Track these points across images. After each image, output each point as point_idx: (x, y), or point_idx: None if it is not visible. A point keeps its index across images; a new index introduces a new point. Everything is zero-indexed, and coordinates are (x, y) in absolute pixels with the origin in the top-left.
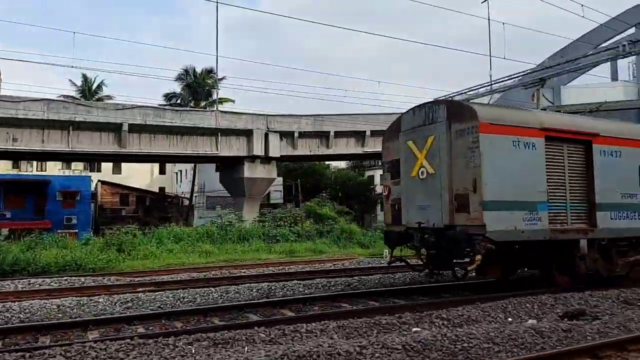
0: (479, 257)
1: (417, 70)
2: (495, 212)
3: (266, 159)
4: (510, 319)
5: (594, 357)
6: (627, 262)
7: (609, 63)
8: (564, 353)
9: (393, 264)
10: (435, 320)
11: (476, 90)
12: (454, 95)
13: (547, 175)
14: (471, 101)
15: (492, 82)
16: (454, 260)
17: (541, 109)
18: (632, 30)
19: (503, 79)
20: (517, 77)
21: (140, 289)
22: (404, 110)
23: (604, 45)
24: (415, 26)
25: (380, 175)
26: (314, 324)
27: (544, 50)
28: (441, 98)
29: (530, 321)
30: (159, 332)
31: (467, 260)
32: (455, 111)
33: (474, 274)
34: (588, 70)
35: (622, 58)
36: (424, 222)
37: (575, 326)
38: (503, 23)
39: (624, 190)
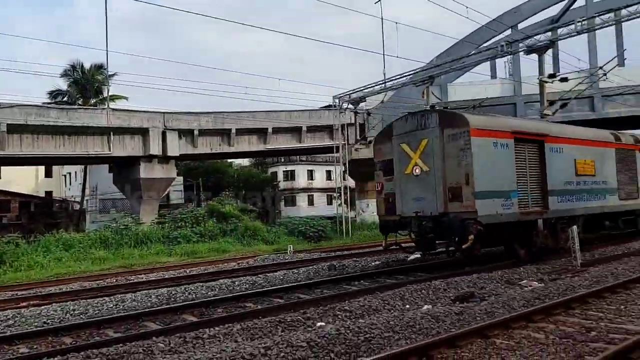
0: (472, 237)
1: (317, 68)
2: (483, 200)
3: (164, 158)
4: (408, 306)
5: (484, 337)
6: (566, 236)
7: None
8: (457, 336)
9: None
10: (338, 313)
11: (372, 88)
12: (352, 93)
13: (516, 169)
14: (367, 98)
15: (386, 80)
16: (439, 241)
17: (430, 106)
18: (509, 32)
19: (396, 77)
20: (409, 75)
21: (24, 304)
22: (308, 108)
23: (485, 45)
24: (316, 26)
25: (375, 172)
26: (217, 328)
27: (434, 48)
28: (341, 95)
29: (426, 307)
30: (44, 351)
31: (455, 240)
32: (447, 118)
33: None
34: (471, 68)
35: (500, 57)
36: (420, 212)
37: (466, 308)
38: (396, 23)
39: (565, 179)
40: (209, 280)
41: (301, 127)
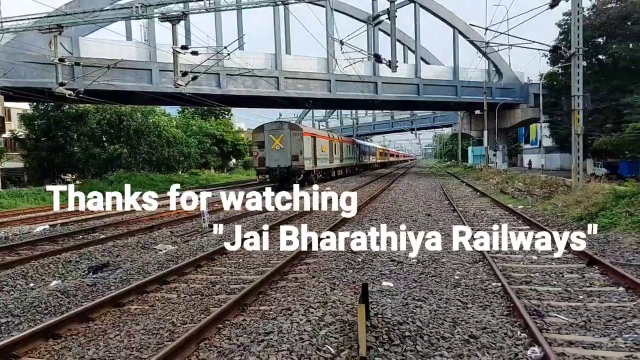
0: (302, 176)
1: None
2: (306, 161)
3: None
4: (32, 284)
5: (118, 305)
6: (321, 177)
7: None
8: (89, 308)
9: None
10: None
11: None
12: None
13: (311, 149)
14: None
15: (3, 20)
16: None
17: (59, 59)
18: None
19: (16, 18)
20: (33, 18)
21: None
22: None
23: (120, 2)
24: None
25: (253, 147)
26: None
27: None
28: None
29: (54, 282)
30: None
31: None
32: (293, 126)
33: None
34: (106, 25)
35: (135, 20)
36: (280, 165)
37: (101, 279)
38: None
39: (319, 153)
40: None
41: None
